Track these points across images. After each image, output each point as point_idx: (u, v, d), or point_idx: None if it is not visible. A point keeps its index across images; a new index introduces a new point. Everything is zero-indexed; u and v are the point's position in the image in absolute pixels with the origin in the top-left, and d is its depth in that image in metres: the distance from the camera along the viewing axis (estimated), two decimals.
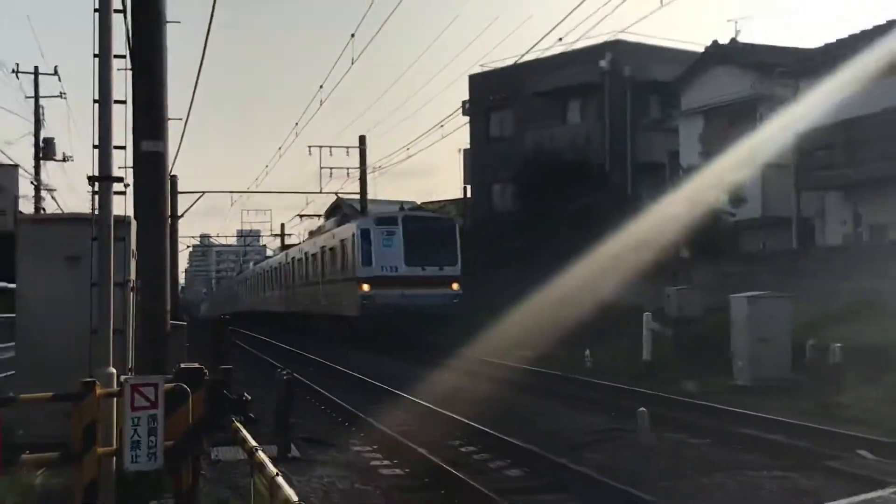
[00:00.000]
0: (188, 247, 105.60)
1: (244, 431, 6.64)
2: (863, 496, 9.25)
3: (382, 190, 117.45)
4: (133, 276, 11.05)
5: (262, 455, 5.77)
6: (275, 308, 60.15)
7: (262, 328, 56.93)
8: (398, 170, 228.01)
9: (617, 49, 41.07)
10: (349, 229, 37.61)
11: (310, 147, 48.80)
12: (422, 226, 36.39)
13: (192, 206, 68.91)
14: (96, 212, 8.35)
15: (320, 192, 51.53)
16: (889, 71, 23.73)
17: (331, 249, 41.05)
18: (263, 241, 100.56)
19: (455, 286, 35.03)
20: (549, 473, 11.32)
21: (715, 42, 36.17)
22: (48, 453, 6.90)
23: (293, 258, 53.62)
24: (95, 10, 8.51)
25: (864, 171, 27.63)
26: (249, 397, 7.14)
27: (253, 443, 6.25)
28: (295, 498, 4.53)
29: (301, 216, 60.53)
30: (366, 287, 34.82)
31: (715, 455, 12.23)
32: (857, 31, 28.77)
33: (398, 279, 34.46)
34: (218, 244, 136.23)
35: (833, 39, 30.17)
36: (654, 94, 41.91)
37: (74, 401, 6.40)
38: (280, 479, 4.95)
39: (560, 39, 46.46)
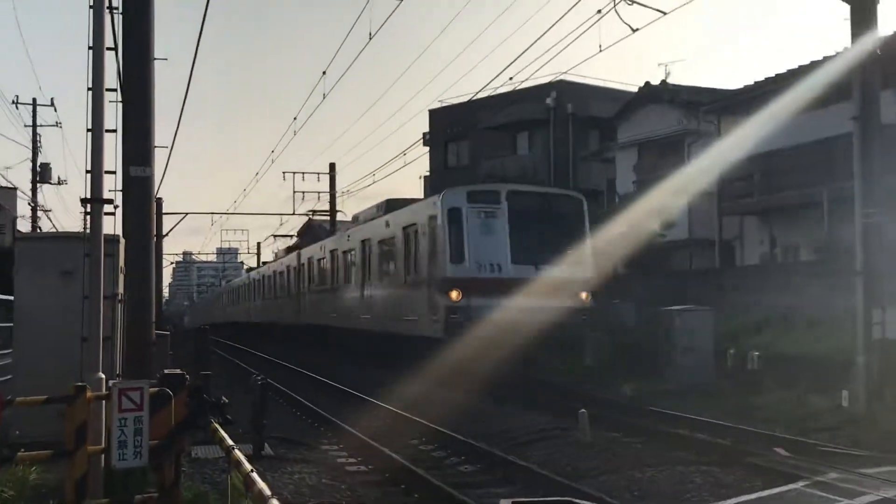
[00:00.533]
0: (172, 263, 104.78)
1: (222, 431, 6.57)
2: (778, 489, 9.39)
3: (351, 212, 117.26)
4: (121, 289, 10.96)
5: (237, 453, 5.71)
6: (269, 318, 48.70)
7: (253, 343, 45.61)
8: (364, 194, 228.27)
9: (561, 88, 41.37)
10: (425, 209, 23.20)
11: (284, 173, 48.94)
12: (535, 204, 21.76)
13: (175, 225, 68.64)
14: (88, 231, 8.27)
15: (293, 214, 51.58)
16: (800, 110, 24.19)
17: (384, 242, 26.67)
18: (241, 258, 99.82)
19: (584, 296, 21.06)
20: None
21: (647, 83, 36.62)
22: (42, 451, 6.82)
23: (310, 258, 38.07)
24: (90, 48, 8.46)
25: (778, 198, 28.06)
26: (227, 400, 7.07)
27: (230, 442, 6.19)
28: (268, 492, 4.49)
29: (275, 236, 60.37)
30: (455, 295, 20.42)
31: (647, 452, 12.27)
32: (772, 74, 29.22)
33: (501, 283, 20.26)
34: (199, 261, 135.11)
35: (751, 82, 30.63)
36: (594, 128, 42.28)
37: (67, 403, 6.31)
38: (255, 475, 4.90)
39: (511, 79, 46.62)
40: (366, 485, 10.69)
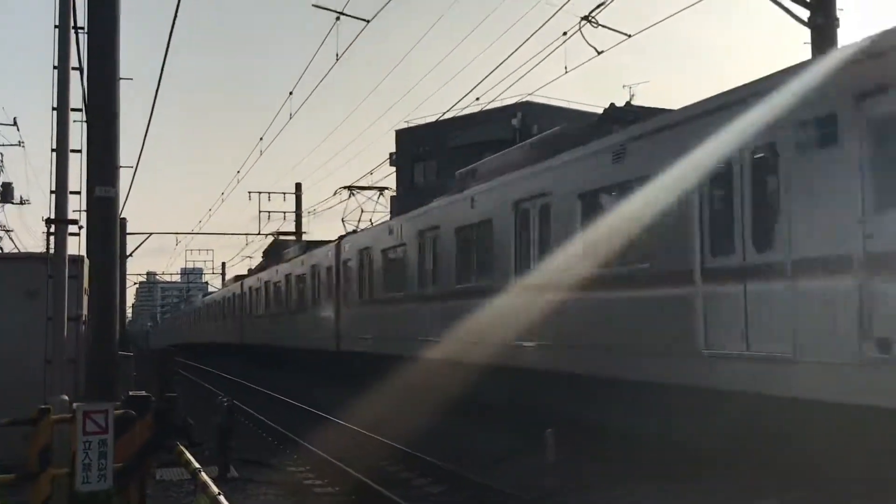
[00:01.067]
0: (135, 283, 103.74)
1: (188, 454, 6.55)
2: None
3: (316, 231, 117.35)
4: (85, 310, 10.88)
5: (204, 476, 5.70)
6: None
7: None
8: (331, 213, 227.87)
9: (527, 109, 41.70)
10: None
11: (249, 192, 48.75)
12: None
13: (139, 245, 67.74)
14: (52, 251, 8.23)
15: (259, 234, 51.27)
16: None
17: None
18: (206, 278, 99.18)
19: None
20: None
21: (612, 104, 36.91)
22: (5, 475, 6.74)
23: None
24: (55, 67, 8.44)
25: None
26: (192, 422, 7.05)
27: (196, 464, 6.18)
28: None
29: (250, 257, 60.33)
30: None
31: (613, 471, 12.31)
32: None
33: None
34: (163, 281, 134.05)
35: None
36: (560, 149, 42.61)
37: (31, 426, 6.26)
38: (222, 499, 4.91)
39: (477, 99, 46.85)
40: None
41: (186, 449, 6.71)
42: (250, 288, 44.01)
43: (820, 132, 9.04)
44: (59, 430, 6.72)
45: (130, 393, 7.15)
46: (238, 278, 51.64)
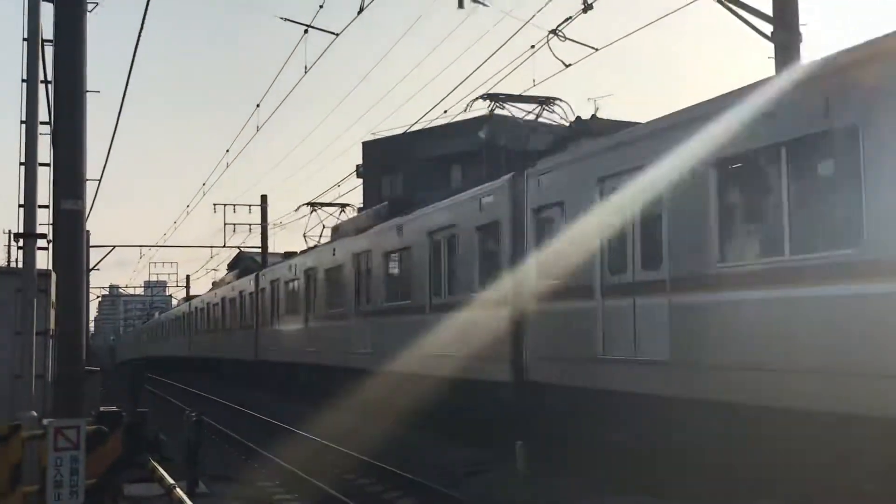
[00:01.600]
0: (97, 297, 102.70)
1: (161, 470, 6.53)
2: None
3: (282, 244, 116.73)
4: (53, 324, 10.79)
5: (179, 492, 5.69)
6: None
7: None
8: (298, 225, 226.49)
9: (494, 121, 41.84)
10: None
11: (214, 205, 48.36)
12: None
13: (103, 258, 67.13)
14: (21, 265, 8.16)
15: (224, 247, 50.87)
16: None
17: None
18: (170, 290, 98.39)
19: None
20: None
21: (578, 117, 37.18)
22: None
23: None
24: (23, 81, 8.40)
25: None
26: (165, 438, 7.02)
27: (171, 480, 6.16)
28: None
29: (208, 270, 60.60)
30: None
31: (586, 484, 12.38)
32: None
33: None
34: (126, 294, 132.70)
35: None
36: (527, 161, 42.80)
37: (1, 442, 6.21)
38: None
39: (445, 112, 47.01)
40: None
41: (159, 464, 6.68)
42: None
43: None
44: (28, 446, 6.67)
45: (101, 409, 7.10)
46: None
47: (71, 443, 6.26)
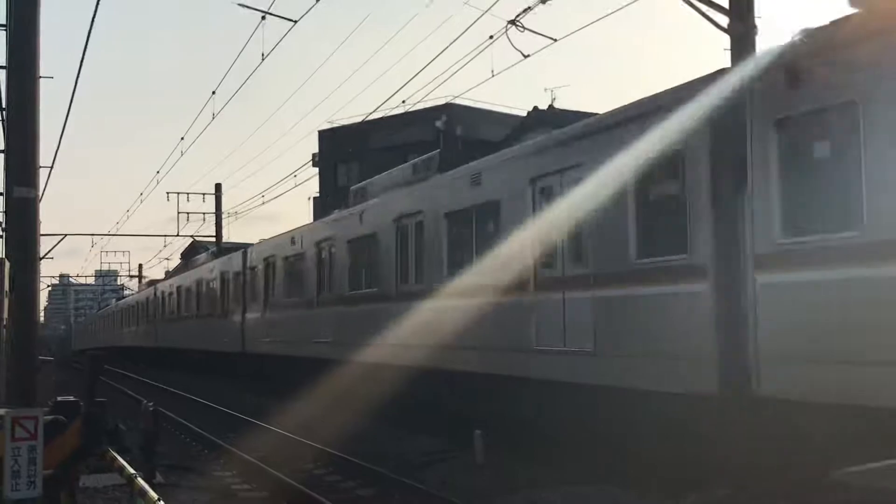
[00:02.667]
0: (48, 286, 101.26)
1: (121, 460, 6.49)
2: None
3: (236, 233, 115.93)
4: (5, 314, 10.66)
5: (141, 481, 5.66)
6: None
7: None
8: (252, 215, 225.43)
9: (451, 111, 41.90)
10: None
11: (168, 193, 47.87)
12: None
13: (53, 247, 66.04)
14: None
15: (177, 235, 50.36)
16: None
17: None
18: (121, 280, 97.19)
19: None
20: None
21: (535, 108, 37.45)
22: None
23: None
24: None
25: None
26: (124, 427, 6.98)
27: (131, 470, 6.13)
28: None
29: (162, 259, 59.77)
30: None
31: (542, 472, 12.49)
32: None
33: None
34: (77, 284, 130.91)
35: None
36: (483, 151, 42.95)
37: None
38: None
39: (403, 102, 47.03)
40: None
41: (119, 454, 6.64)
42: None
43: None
44: None
45: (59, 398, 7.03)
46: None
47: (28, 433, 6.19)
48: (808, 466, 8.29)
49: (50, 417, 6.51)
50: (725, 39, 14.91)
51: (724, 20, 14.81)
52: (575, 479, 11.71)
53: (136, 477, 5.78)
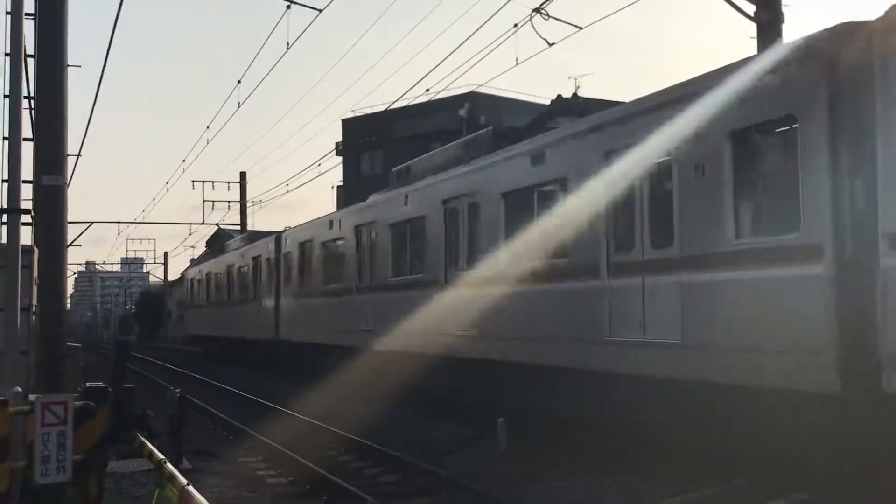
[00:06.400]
0: (74, 273, 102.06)
1: (150, 445, 6.52)
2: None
3: (261, 222, 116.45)
4: (34, 300, 10.73)
5: (170, 466, 5.69)
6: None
7: None
8: (276, 203, 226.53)
9: (474, 100, 41.84)
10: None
11: (193, 181, 48.28)
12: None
13: (80, 234, 66.70)
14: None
15: (202, 224, 50.68)
16: None
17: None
18: (147, 268, 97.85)
19: None
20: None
21: (559, 96, 37.22)
22: None
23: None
24: (6, 55, 8.31)
25: None
26: (152, 413, 7.01)
27: (160, 455, 6.16)
28: None
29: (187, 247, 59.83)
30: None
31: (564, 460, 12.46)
32: None
33: None
34: (103, 271, 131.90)
35: None
36: (506, 139, 42.87)
37: None
38: (191, 489, 4.92)
39: (427, 90, 46.95)
40: (287, 496, 10.67)
41: (148, 440, 6.67)
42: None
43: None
44: (15, 422, 6.64)
45: (88, 384, 7.06)
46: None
47: (58, 418, 6.23)
48: None
49: (79, 403, 6.55)
50: (752, 27, 14.81)
51: (750, 8, 14.71)
52: (596, 467, 11.69)
53: (165, 462, 5.80)
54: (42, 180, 11.82)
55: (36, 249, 10.89)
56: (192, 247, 59.60)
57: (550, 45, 16.32)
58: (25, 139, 8.45)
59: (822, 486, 8.59)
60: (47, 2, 11.88)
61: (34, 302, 10.56)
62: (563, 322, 12.58)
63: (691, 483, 10.21)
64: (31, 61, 11.32)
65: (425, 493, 10.86)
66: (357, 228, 20.87)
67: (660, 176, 10.98)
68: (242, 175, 48.90)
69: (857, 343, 8.24)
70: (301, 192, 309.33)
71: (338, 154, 48.33)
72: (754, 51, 14.40)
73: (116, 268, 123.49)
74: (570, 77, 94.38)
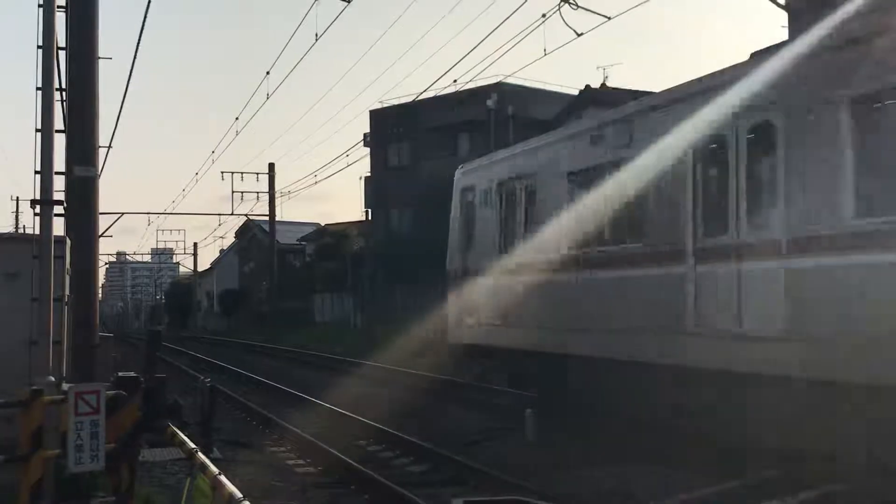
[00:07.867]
0: (105, 264, 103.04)
1: (182, 435, 6.57)
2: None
3: (288, 212, 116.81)
4: (67, 290, 10.81)
5: (202, 456, 5.73)
6: None
7: None
8: (304, 194, 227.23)
9: (502, 90, 41.71)
10: None
11: (222, 173, 48.61)
12: None
13: (111, 225, 67.34)
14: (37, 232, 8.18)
15: (232, 214, 51.11)
16: None
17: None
18: (177, 258, 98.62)
19: None
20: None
21: (587, 86, 37.11)
22: None
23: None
24: (39, 47, 8.37)
25: None
26: (182, 403, 7.07)
27: (192, 445, 6.20)
28: (239, 494, 4.51)
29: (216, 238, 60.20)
30: None
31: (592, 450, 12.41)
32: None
33: None
34: (133, 262, 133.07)
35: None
36: (535, 130, 42.72)
37: (22, 407, 6.24)
38: (223, 478, 4.94)
39: (455, 81, 46.85)
40: (316, 486, 10.70)
41: (179, 430, 6.73)
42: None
43: None
44: (48, 411, 6.71)
45: (120, 374, 7.13)
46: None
47: (91, 407, 6.28)
48: None
49: (112, 392, 6.61)
50: (782, 16, 14.65)
51: None
52: (625, 458, 11.64)
53: (196, 452, 5.84)
54: (74, 171, 11.90)
55: (68, 240, 10.97)
56: (222, 237, 60.06)
57: (579, 35, 16.23)
58: (57, 131, 8.50)
59: None
60: None
61: (67, 292, 10.64)
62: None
63: (723, 474, 10.14)
64: (62, 54, 11.36)
65: (454, 483, 10.85)
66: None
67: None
68: (271, 166, 49.11)
69: None
70: (329, 183, 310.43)
71: (365, 145, 48.41)
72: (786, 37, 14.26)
73: (147, 258, 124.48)
74: (598, 67, 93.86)
